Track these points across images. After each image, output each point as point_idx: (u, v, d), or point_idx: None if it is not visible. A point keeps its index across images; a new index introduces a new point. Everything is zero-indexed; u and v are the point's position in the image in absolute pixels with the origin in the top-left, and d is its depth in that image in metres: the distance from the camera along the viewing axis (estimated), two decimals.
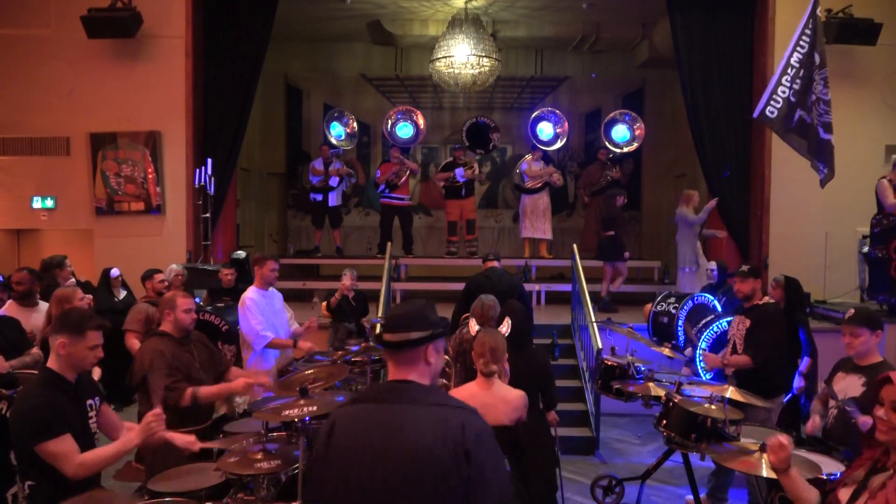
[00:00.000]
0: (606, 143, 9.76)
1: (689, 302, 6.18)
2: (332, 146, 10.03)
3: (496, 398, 3.04)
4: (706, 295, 6.27)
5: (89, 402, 2.81)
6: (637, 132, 9.63)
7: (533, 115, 10.01)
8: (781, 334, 4.44)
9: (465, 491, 1.72)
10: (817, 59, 6.53)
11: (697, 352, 5.56)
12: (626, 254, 8.15)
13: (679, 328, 6.02)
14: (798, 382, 4.86)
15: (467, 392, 3.07)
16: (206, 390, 3.49)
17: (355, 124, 10.44)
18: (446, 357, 3.65)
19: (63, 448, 2.54)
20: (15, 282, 4.94)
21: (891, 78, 8.07)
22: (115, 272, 6.59)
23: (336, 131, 10.26)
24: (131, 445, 2.79)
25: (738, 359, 4.40)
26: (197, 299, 5.27)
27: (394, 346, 1.86)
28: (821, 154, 6.55)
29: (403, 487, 1.72)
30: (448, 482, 1.71)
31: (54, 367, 2.69)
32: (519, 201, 10.08)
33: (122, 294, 6.71)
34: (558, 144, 9.99)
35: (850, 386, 3.31)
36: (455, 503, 1.72)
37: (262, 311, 4.85)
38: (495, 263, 5.97)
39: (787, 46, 8.04)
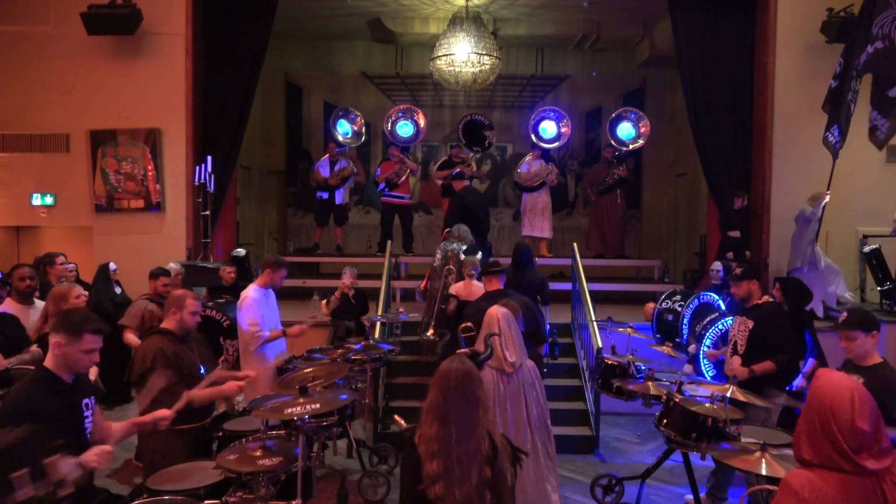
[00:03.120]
0: (611, 142, 9.72)
1: (695, 300, 6.19)
2: (339, 144, 9.99)
3: (475, 287, 5.60)
4: (711, 294, 6.28)
5: (85, 401, 2.79)
6: (642, 130, 9.59)
7: (535, 115, 9.98)
8: (787, 331, 4.46)
9: (538, 320, 4.82)
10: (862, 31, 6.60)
11: (702, 348, 5.56)
12: (729, 254, 7.79)
13: (684, 326, 6.03)
14: (799, 382, 4.86)
15: (461, 284, 5.79)
16: (199, 395, 3.45)
17: (363, 122, 10.36)
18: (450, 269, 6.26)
19: None
20: (18, 277, 4.90)
21: None
22: (112, 265, 6.72)
23: (343, 129, 10.17)
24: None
25: (762, 367, 4.34)
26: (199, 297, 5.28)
27: (493, 272, 5.02)
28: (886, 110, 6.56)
29: (524, 316, 4.18)
30: (532, 316, 4.61)
31: (50, 365, 2.66)
32: (520, 200, 10.08)
33: (119, 290, 6.73)
34: (558, 143, 9.97)
35: None
36: (537, 318, 4.78)
37: (262, 310, 4.85)
38: (466, 182, 7.82)
39: (788, 46, 8.07)
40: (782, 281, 5.37)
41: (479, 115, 10.42)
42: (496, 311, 3.85)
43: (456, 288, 5.76)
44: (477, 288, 5.51)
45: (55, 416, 2.61)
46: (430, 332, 6.23)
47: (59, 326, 2.67)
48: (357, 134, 10.25)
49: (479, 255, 6.16)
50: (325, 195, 9.86)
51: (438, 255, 6.48)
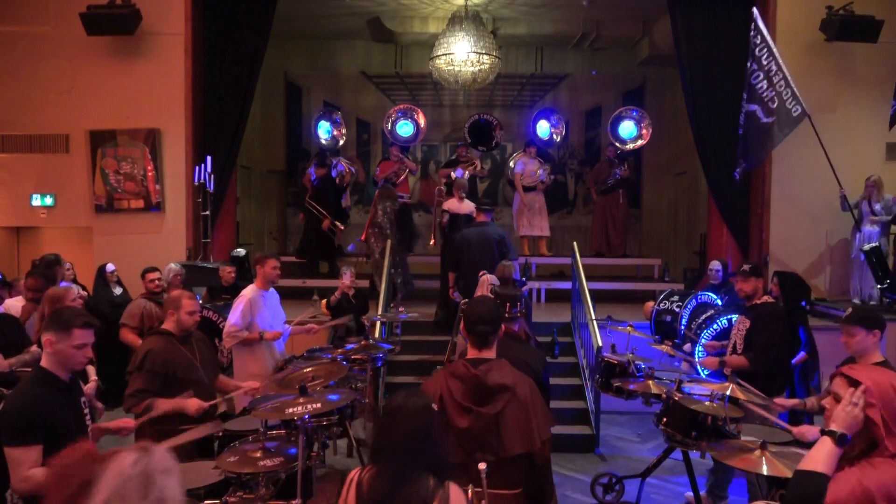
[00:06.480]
0: (612, 140, 9.71)
1: (693, 300, 6.17)
2: (322, 149, 9.97)
3: (465, 204, 7.41)
4: (709, 294, 6.26)
5: (82, 399, 2.81)
6: (644, 130, 9.58)
7: (536, 114, 9.98)
8: (780, 334, 4.37)
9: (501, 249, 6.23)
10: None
11: (697, 348, 5.55)
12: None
13: (682, 326, 6.02)
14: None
15: (452, 200, 7.42)
16: (162, 405, 3.39)
17: (344, 130, 10.31)
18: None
19: (23, 457, 2.48)
20: (28, 288, 5.00)
21: (892, 75, 8.03)
22: (110, 267, 6.69)
23: (324, 130, 10.14)
24: None
25: (735, 360, 4.36)
26: (196, 297, 5.28)
27: (484, 210, 6.66)
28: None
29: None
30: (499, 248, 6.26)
31: (47, 365, 2.67)
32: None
33: (119, 290, 6.72)
34: (557, 139, 9.96)
35: None
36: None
37: (256, 312, 4.79)
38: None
39: (788, 44, 8.06)
40: (780, 275, 5.33)
41: (487, 114, 10.42)
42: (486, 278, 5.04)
43: (448, 204, 7.62)
44: (466, 204, 7.39)
45: (61, 415, 2.61)
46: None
47: (50, 325, 2.68)
48: (335, 139, 10.21)
49: (467, 175, 8.87)
50: None
51: (380, 212, 8.15)
